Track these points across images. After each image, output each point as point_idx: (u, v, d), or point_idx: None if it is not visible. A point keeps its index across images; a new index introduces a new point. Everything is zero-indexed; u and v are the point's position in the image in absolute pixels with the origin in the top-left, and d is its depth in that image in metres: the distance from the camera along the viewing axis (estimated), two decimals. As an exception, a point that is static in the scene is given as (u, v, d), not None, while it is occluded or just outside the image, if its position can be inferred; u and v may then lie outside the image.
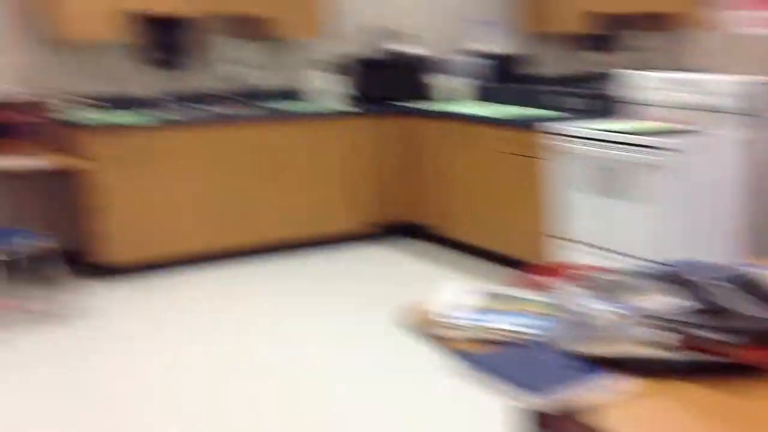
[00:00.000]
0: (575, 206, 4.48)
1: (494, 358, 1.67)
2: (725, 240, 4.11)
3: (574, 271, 2.08)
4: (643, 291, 1.95)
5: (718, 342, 1.60)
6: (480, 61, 6.15)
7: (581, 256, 4.33)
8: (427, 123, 5.66)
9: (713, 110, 4.16)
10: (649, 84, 4.53)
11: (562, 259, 4.40)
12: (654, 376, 1.63)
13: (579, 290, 1.95)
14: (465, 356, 1.65)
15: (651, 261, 3.39)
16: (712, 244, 4.04)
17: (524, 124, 4.89)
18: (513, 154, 4.97)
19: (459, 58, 6.17)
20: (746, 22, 7.05)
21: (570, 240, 4.53)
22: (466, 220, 5.46)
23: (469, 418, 3.21)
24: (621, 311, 1.85)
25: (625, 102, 4.70)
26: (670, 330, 1.70)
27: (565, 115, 5.01)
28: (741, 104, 4.06)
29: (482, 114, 5.25)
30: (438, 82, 6.07)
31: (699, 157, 4.02)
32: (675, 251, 3.87)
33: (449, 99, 5.99)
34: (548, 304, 1.95)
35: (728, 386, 1.60)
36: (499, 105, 5.70)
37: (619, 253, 4.14)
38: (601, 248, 4.30)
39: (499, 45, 6.34)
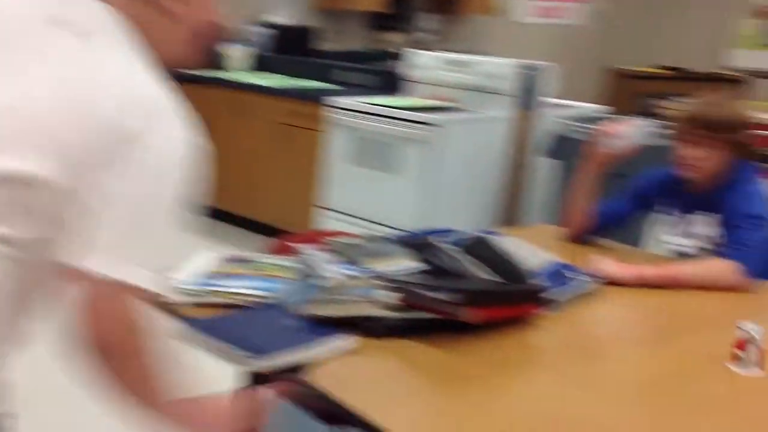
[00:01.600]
0: (344, 178, 4.57)
1: (219, 322, 1.67)
2: (483, 211, 4.34)
3: (323, 238, 2.11)
4: (386, 256, 2.02)
5: (437, 301, 1.68)
6: (268, 31, 6.10)
7: (346, 227, 4.40)
8: (206, 90, 5.53)
9: (482, 90, 4.39)
10: (424, 63, 4.69)
11: (326, 228, 4.47)
12: (378, 334, 1.69)
13: (320, 254, 1.99)
14: (190, 321, 1.63)
15: (400, 228, 3.53)
16: (470, 215, 4.25)
17: (302, 96, 4.92)
18: (290, 125, 4.99)
19: (247, 28, 6.09)
20: (529, 11, 7.48)
21: (337, 211, 4.61)
22: (240, 191, 5.40)
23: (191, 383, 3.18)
24: (354, 273, 1.90)
25: (404, 79, 4.84)
26: (396, 290, 1.77)
27: (345, 89, 5.08)
28: (507, 85, 4.29)
29: (262, 84, 5.22)
30: (225, 51, 5.96)
31: (460, 133, 4.21)
32: (434, 222, 4.04)
33: (234, 68, 5.90)
34: (289, 269, 1.97)
35: (443, 343, 1.69)
36: (282, 76, 5.69)
37: (382, 224, 4.26)
38: (365, 219, 4.41)
39: (288, 17, 6.31)
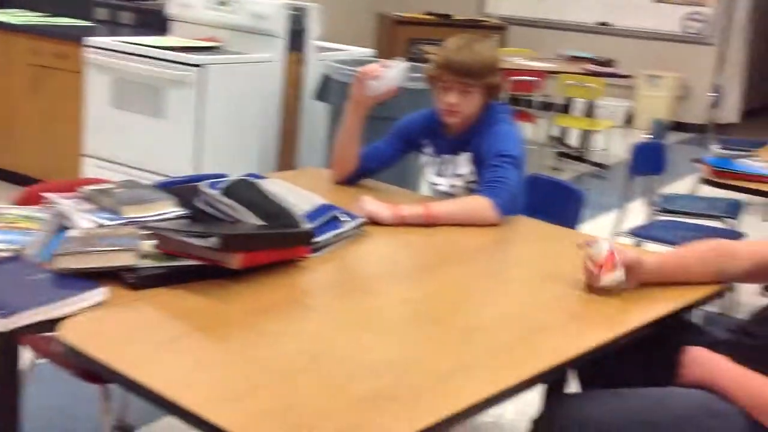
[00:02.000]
0: (107, 123, 4.33)
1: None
2: (256, 156, 4.29)
3: (80, 187, 1.97)
4: (146, 203, 1.93)
5: (196, 247, 1.63)
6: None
7: (112, 176, 4.18)
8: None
9: (250, 31, 4.27)
10: (190, 1, 4.49)
11: (87, 177, 4.22)
12: (136, 285, 1.61)
13: (72, 203, 1.86)
14: None
15: (167, 176, 3.40)
16: (242, 159, 4.18)
17: (59, 35, 4.56)
18: (46, 67, 4.62)
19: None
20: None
21: (102, 159, 4.37)
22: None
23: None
24: (108, 222, 1.80)
25: (170, 19, 4.61)
26: (153, 237, 1.69)
27: (107, 28, 4.78)
28: (275, 26, 4.22)
29: (12, 22, 4.78)
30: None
31: (226, 76, 4.10)
32: (205, 168, 3.95)
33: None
34: (39, 219, 1.83)
35: (205, 290, 1.66)
36: (36, 13, 5.24)
37: (151, 171, 4.09)
38: (133, 167, 4.21)
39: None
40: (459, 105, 2.39)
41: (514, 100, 7.16)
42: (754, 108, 8.95)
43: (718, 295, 1.98)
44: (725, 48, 8.43)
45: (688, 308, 1.88)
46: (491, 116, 2.44)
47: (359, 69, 2.48)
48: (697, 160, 3.20)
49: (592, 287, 1.83)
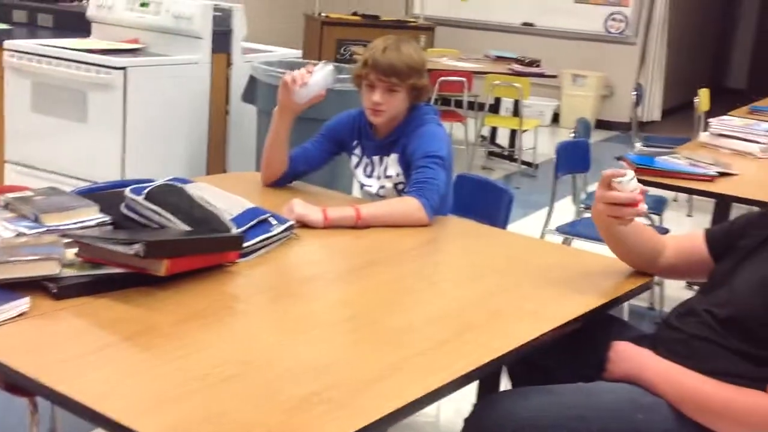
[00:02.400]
0: (27, 128, 4.20)
1: None
2: (184, 160, 4.22)
3: (-2, 194, 1.91)
4: (68, 210, 1.88)
5: (119, 254, 1.59)
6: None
7: (31, 181, 4.06)
8: None
9: (173, 32, 4.19)
10: (111, 3, 4.39)
11: (8, 184, 4.09)
12: (58, 294, 1.57)
13: (-10, 213, 1.80)
14: None
15: (92, 182, 3.32)
16: (170, 164, 4.11)
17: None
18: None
19: None
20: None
21: (23, 165, 4.24)
22: None
23: None
24: (31, 231, 1.75)
25: (91, 20, 4.50)
26: (75, 245, 1.65)
27: (27, 30, 4.64)
28: (198, 27, 4.15)
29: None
30: None
31: (149, 78, 4.02)
32: (131, 173, 3.87)
33: None
34: (-47, 230, 1.76)
35: (131, 298, 1.62)
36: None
37: (74, 177, 3.99)
38: (56, 173, 4.10)
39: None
40: (384, 105, 2.39)
41: (443, 101, 7.22)
42: (675, 106, 9.21)
43: (644, 289, 2.03)
44: (646, 48, 8.66)
45: (615, 303, 1.91)
46: (418, 117, 2.46)
47: (285, 74, 2.47)
48: (620, 158, 3.27)
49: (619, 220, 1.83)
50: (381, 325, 1.65)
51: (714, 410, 1.62)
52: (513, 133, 6.76)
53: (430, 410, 2.83)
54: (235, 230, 1.88)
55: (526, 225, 5.08)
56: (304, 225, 2.15)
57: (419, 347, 1.56)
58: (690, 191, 3.03)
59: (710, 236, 1.97)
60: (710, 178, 3.04)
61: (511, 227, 5.42)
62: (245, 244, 1.88)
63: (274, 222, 2.04)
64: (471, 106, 6.79)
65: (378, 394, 1.36)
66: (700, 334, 1.74)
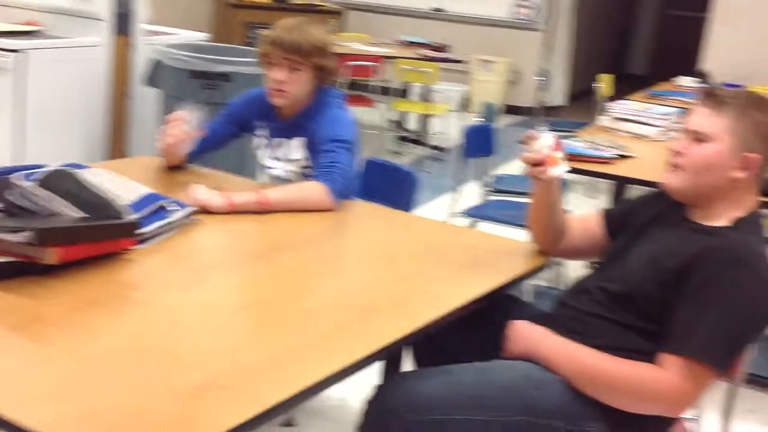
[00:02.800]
0: None
1: None
2: (85, 145, 4.10)
3: None
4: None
5: (7, 242, 1.53)
6: None
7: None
8: None
9: (72, 14, 4.06)
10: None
11: None
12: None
13: None
14: None
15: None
16: (70, 149, 3.98)
17: None
18: None
19: None
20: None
21: None
22: None
23: None
24: None
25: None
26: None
27: None
28: (99, 9, 4.02)
29: None
30: None
31: (47, 61, 3.88)
32: (28, 158, 3.73)
33: None
34: None
35: (21, 287, 1.57)
36: None
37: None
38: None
39: None
40: (286, 84, 2.37)
41: (353, 85, 7.21)
42: (580, 91, 9.44)
43: (541, 269, 2.07)
44: (552, 34, 8.84)
45: (514, 283, 1.95)
46: (324, 101, 2.44)
47: (162, 135, 2.39)
48: (522, 141, 3.33)
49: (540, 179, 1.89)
50: (282, 311, 1.64)
51: (605, 383, 1.68)
52: (423, 118, 6.81)
53: (338, 394, 2.84)
54: (130, 216, 1.84)
55: (435, 208, 5.13)
56: (206, 211, 2.12)
57: (321, 332, 1.56)
58: (590, 173, 3.11)
59: (607, 216, 2.03)
60: (609, 161, 3.13)
61: (421, 211, 5.46)
62: (142, 231, 1.83)
63: (173, 208, 2.00)
64: (381, 90, 6.80)
65: (276, 380, 1.36)
66: (593, 310, 1.80)
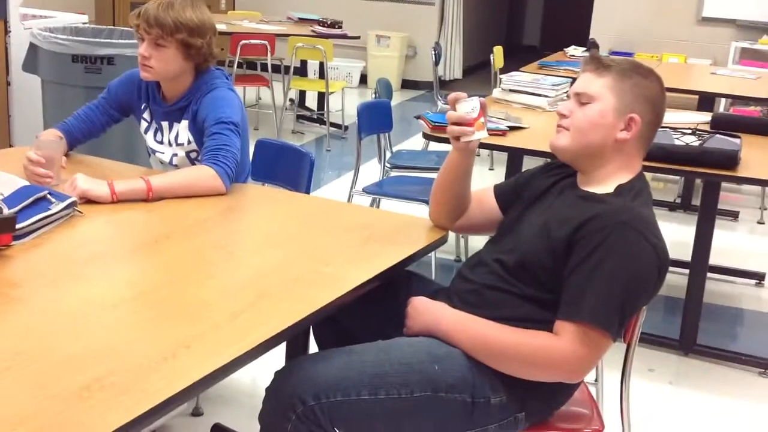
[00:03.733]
0: None
1: None
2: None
3: None
4: None
5: None
6: None
7: None
8: None
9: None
10: None
11: None
12: None
13: None
14: None
15: None
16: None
17: None
18: None
19: None
20: None
21: None
22: None
23: None
24: None
25: None
26: None
27: None
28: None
29: None
30: None
31: None
32: None
33: None
34: None
35: None
36: None
37: None
38: None
39: None
40: (152, 60, 2.28)
41: (248, 65, 7.08)
42: (475, 64, 9.54)
43: (439, 243, 2.07)
44: (444, 8, 8.88)
45: (411, 259, 1.94)
46: (208, 82, 2.37)
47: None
48: (419, 117, 3.33)
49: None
50: (171, 302, 1.58)
51: (503, 354, 1.69)
52: (321, 95, 6.75)
53: (248, 380, 2.79)
54: (6, 211, 1.73)
55: (338, 186, 5.10)
56: (90, 201, 2.02)
57: (212, 321, 1.51)
58: (483, 146, 3.12)
59: (498, 190, 2.04)
60: (502, 133, 3.15)
61: (324, 189, 5.44)
62: (19, 226, 1.73)
63: (53, 200, 1.90)
64: (278, 69, 6.70)
65: (165, 375, 1.30)
66: (490, 282, 1.81)
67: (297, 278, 1.74)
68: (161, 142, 2.43)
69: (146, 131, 2.46)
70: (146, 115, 2.45)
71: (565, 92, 3.72)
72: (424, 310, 1.82)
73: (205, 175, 2.18)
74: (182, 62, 2.31)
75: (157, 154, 2.45)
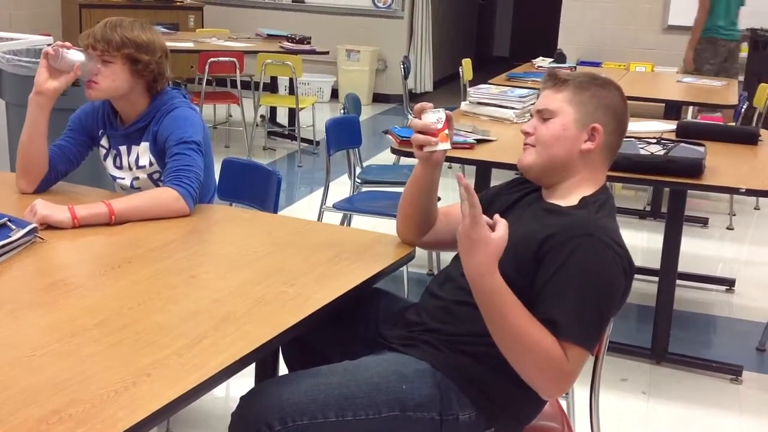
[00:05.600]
0: None
1: None
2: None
3: None
4: None
5: None
6: None
7: None
8: None
9: None
10: None
11: None
12: None
13: None
14: None
15: None
16: None
17: None
18: None
19: None
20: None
21: None
22: None
23: None
24: None
25: None
26: None
27: None
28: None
29: None
30: None
31: None
32: None
33: None
34: None
35: None
36: None
37: None
38: None
39: None
40: (98, 76, 2.25)
41: (217, 82, 7.05)
42: (446, 77, 9.57)
43: (407, 260, 2.06)
44: (413, 21, 8.91)
45: (378, 277, 1.93)
46: (166, 102, 2.34)
47: (43, 52, 2.26)
48: (387, 132, 3.32)
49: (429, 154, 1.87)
50: (132, 329, 1.55)
51: (509, 329, 1.60)
52: (291, 111, 6.73)
53: (217, 401, 2.76)
54: (-39, 241, 1.70)
55: (310, 203, 5.08)
56: (51, 227, 1.99)
57: (174, 347, 1.48)
58: (451, 160, 3.12)
59: None
60: (470, 146, 3.15)
61: (296, 206, 5.41)
62: (-24, 255, 1.70)
63: (12, 227, 1.87)
64: (248, 86, 6.67)
65: (124, 405, 1.28)
66: (458, 298, 1.79)
67: (261, 300, 1.72)
68: (120, 167, 2.40)
69: (105, 158, 2.44)
70: (104, 141, 2.42)
71: (532, 104, 3.74)
72: (489, 250, 1.60)
73: (167, 196, 2.16)
74: (129, 78, 2.28)
75: (117, 180, 2.43)
